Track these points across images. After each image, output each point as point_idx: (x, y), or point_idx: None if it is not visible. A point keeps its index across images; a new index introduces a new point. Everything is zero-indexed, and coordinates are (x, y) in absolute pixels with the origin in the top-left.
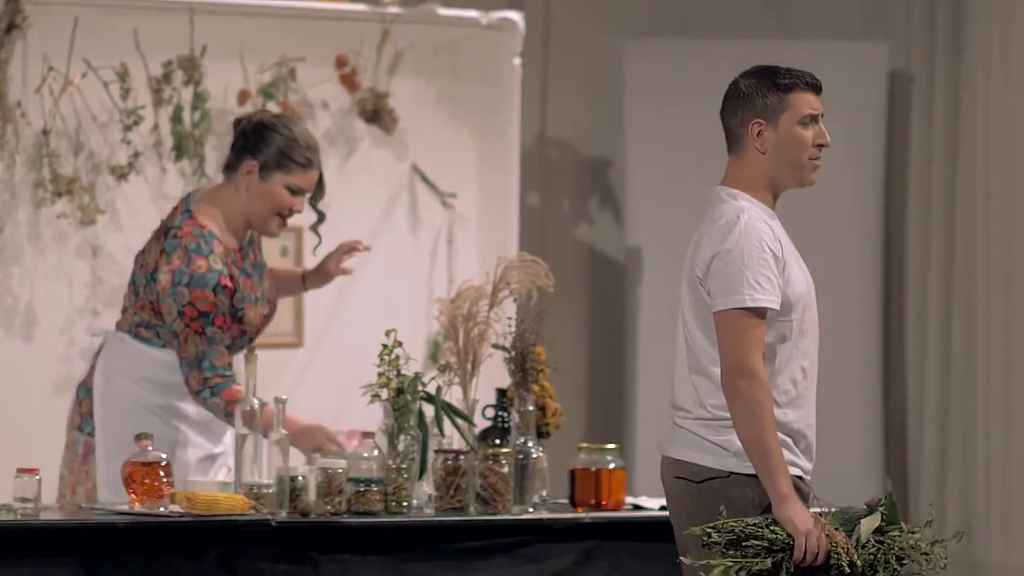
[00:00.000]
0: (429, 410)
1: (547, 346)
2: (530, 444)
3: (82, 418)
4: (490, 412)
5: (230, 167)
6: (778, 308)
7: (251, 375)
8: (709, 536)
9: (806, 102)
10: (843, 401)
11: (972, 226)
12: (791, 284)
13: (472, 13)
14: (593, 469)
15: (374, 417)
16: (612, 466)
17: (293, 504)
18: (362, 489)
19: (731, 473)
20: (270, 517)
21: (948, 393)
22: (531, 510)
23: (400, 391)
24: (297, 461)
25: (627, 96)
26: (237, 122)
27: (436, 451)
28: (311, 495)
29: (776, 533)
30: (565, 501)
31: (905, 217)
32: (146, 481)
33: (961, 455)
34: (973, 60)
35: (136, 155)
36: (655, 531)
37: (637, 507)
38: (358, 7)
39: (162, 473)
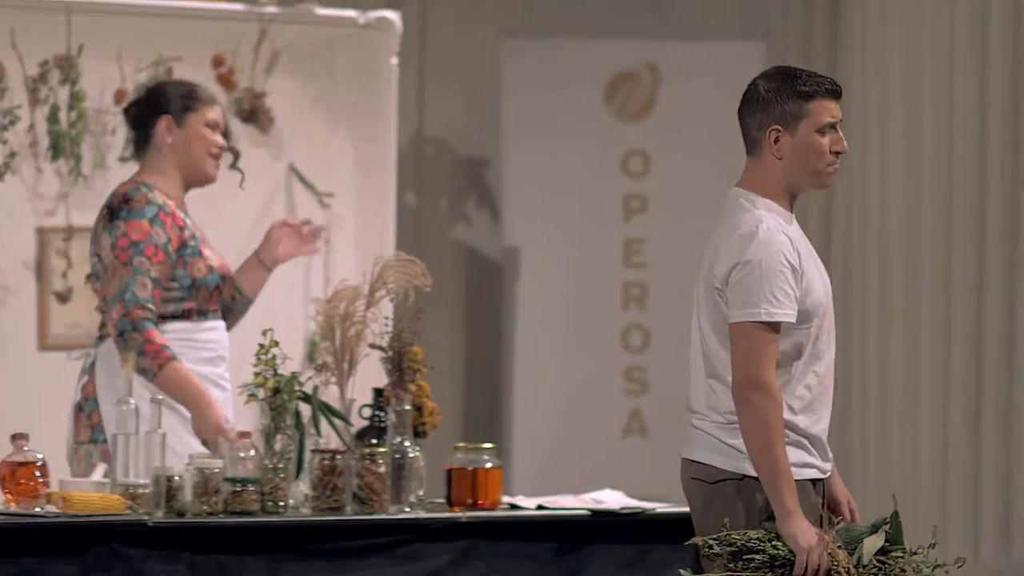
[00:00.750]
0: (306, 410)
1: (424, 346)
2: (407, 444)
3: (93, 429)
4: (367, 412)
5: (141, 141)
6: (795, 321)
7: (127, 375)
8: (710, 548)
9: (826, 110)
10: None
11: (848, 226)
12: (810, 293)
13: (349, 13)
14: (470, 469)
15: (251, 417)
16: (489, 466)
17: (169, 504)
18: (238, 489)
19: (744, 476)
20: (146, 517)
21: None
22: (408, 510)
23: (277, 391)
24: (173, 461)
25: (504, 96)
26: (127, 108)
27: (313, 451)
28: (187, 495)
29: (778, 548)
30: (442, 501)
31: None
32: (21, 481)
33: (837, 462)
34: (849, 59)
35: (12, 155)
36: (532, 530)
37: (514, 506)
38: (235, 7)
39: (38, 473)
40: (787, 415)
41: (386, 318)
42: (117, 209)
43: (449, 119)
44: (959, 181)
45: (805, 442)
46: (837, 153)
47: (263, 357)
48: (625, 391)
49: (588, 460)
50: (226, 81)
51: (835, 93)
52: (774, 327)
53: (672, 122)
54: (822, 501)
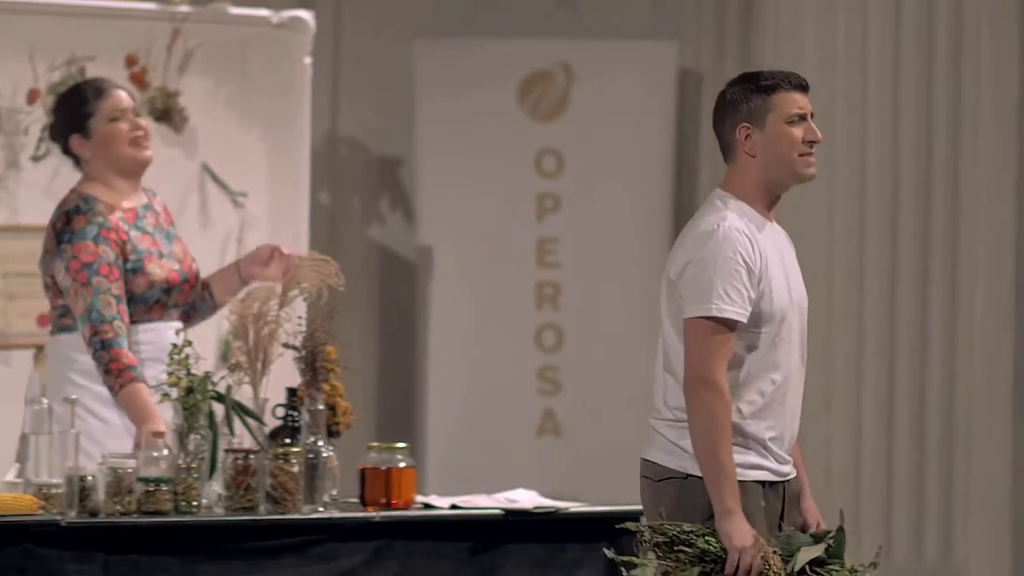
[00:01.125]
0: (219, 409)
1: (337, 345)
2: (320, 443)
3: None
4: (280, 411)
5: (73, 160)
6: (746, 321)
7: (41, 373)
8: (642, 534)
9: (792, 101)
10: (629, 399)
11: None
12: (767, 297)
13: (262, 12)
14: (383, 468)
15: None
16: (402, 465)
17: (82, 504)
18: (152, 489)
19: (688, 475)
20: (59, 517)
21: None
22: (321, 509)
23: (190, 390)
24: (86, 461)
25: (418, 95)
26: (49, 127)
27: (226, 450)
28: (100, 495)
29: (710, 544)
30: (355, 500)
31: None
32: None
33: None
34: (762, 58)
35: None
36: (445, 530)
37: (427, 506)
38: (148, 6)
39: None
40: (735, 418)
41: (300, 317)
42: (61, 232)
43: (363, 119)
44: (872, 181)
45: (756, 445)
46: (811, 143)
47: (176, 357)
48: (538, 391)
49: (502, 460)
50: (139, 80)
51: (800, 86)
52: (727, 325)
53: (585, 121)
54: (781, 506)
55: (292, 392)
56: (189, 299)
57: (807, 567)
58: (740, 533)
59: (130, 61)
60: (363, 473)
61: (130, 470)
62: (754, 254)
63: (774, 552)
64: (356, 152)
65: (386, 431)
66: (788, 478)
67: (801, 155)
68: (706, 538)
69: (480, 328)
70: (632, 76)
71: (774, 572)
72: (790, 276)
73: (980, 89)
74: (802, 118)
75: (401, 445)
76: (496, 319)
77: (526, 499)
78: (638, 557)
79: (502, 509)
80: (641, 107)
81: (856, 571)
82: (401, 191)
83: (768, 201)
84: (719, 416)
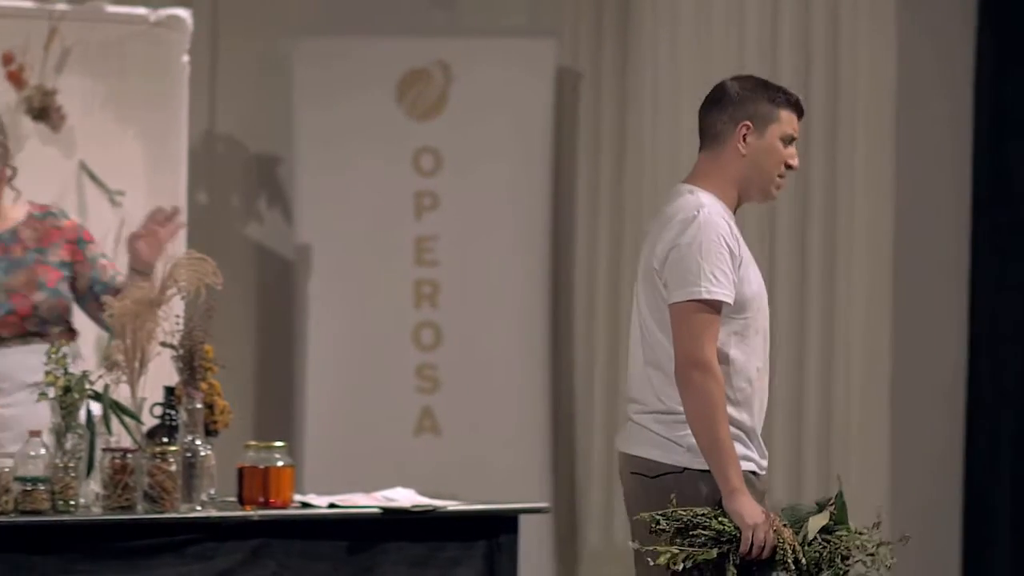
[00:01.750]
0: (97, 408)
1: (215, 344)
2: (198, 442)
3: None
4: (158, 410)
5: None
6: (732, 303)
7: None
8: (657, 523)
9: (792, 122)
10: (509, 397)
11: (639, 223)
12: (746, 283)
13: (140, 10)
14: (261, 467)
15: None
16: (280, 464)
17: None
18: (29, 488)
19: (685, 469)
20: None
21: (616, 389)
22: (199, 508)
23: (67, 389)
24: None
25: (296, 93)
26: None
27: (104, 449)
28: None
29: (724, 524)
30: (233, 499)
31: (573, 215)
32: None
33: None
34: (640, 56)
35: None
36: (323, 529)
37: (305, 505)
38: (25, 4)
39: None
40: (728, 407)
41: (177, 316)
42: None
43: (241, 117)
44: None
45: (743, 435)
46: (789, 167)
47: (53, 355)
48: (417, 389)
49: (380, 458)
50: (16, 79)
51: (801, 110)
52: (714, 307)
53: (464, 119)
54: (761, 497)
55: (170, 391)
56: (27, 329)
57: (817, 535)
58: (750, 510)
59: (6, 59)
60: (241, 472)
61: (7, 469)
62: (733, 238)
63: (784, 524)
64: (234, 151)
65: (264, 430)
66: (764, 471)
67: (780, 176)
68: (719, 519)
69: (358, 326)
70: (510, 74)
71: (788, 544)
72: (755, 266)
73: (857, 90)
74: (792, 140)
75: (279, 444)
76: (374, 317)
77: (404, 498)
78: (639, 547)
79: (380, 508)
80: (519, 105)
81: (862, 534)
82: (279, 190)
83: (735, 200)
84: (714, 396)
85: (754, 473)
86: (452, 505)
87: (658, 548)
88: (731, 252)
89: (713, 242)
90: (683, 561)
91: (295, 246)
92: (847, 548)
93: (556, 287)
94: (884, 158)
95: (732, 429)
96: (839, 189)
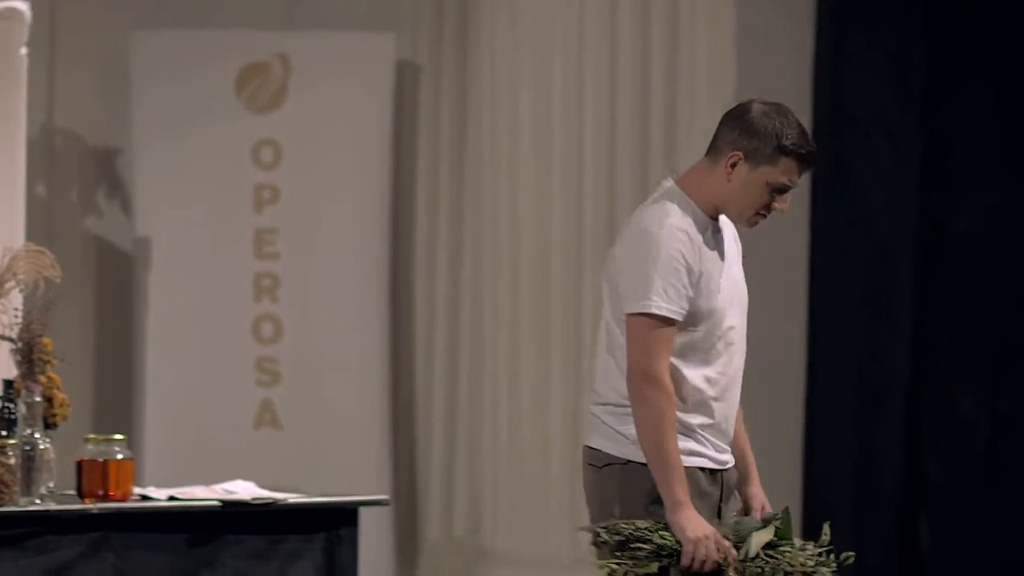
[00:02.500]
0: None
1: (54, 337)
2: (37, 435)
3: None
4: None
5: None
6: (682, 320)
7: None
8: (598, 536)
9: (791, 171)
10: (349, 391)
11: (479, 217)
12: (705, 296)
13: None
14: (100, 460)
15: None
16: (120, 457)
17: None
18: None
19: (628, 461)
20: None
21: (456, 383)
22: (38, 501)
23: None
24: None
25: (135, 86)
26: None
27: None
28: None
29: (665, 539)
30: (73, 492)
31: (413, 208)
32: None
33: (468, 446)
34: (480, 50)
35: None
36: (163, 522)
37: (145, 498)
38: None
39: None
40: (678, 408)
41: (16, 309)
42: None
43: (80, 109)
44: (589, 175)
45: (695, 433)
46: (773, 210)
47: None
48: (257, 382)
49: (220, 451)
50: None
51: (809, 163)
52: (667, 321)
53: (304, 112)
54: (720, 493)
55: (8, 384)
56: None
57: (760, 552)
58: (692, 524)
59: None
60: (80, 465)
61: None
62: (693, 253)
63: (727, 539)
64: (73, 143)
65: (103, 423)
66: (726, 467)
67: (755, 215)
68: (660, 533)
69: (198, 319)
70: (350, 68)
71: (731, 559)
72: (732, 274)
73: (695, 85)
74: (784, 190)
75: (118, 437)
76: (214, 310)
77: (244, 491)
78: (598, 558)
79: (220, 500)
80: (359, 98)
81: (805, 549)
82: (119, 182)
83: (714, 211)
84: (663, 411)
85: (711, 471)
86: (292, 498)
87: (598, 562)
88: (688, 267)
89: (671, 258)
90: (624, 574)
91: (134, 239)
92: (790, 564)
93: (396, 280)
94: None
95: (680, 428)
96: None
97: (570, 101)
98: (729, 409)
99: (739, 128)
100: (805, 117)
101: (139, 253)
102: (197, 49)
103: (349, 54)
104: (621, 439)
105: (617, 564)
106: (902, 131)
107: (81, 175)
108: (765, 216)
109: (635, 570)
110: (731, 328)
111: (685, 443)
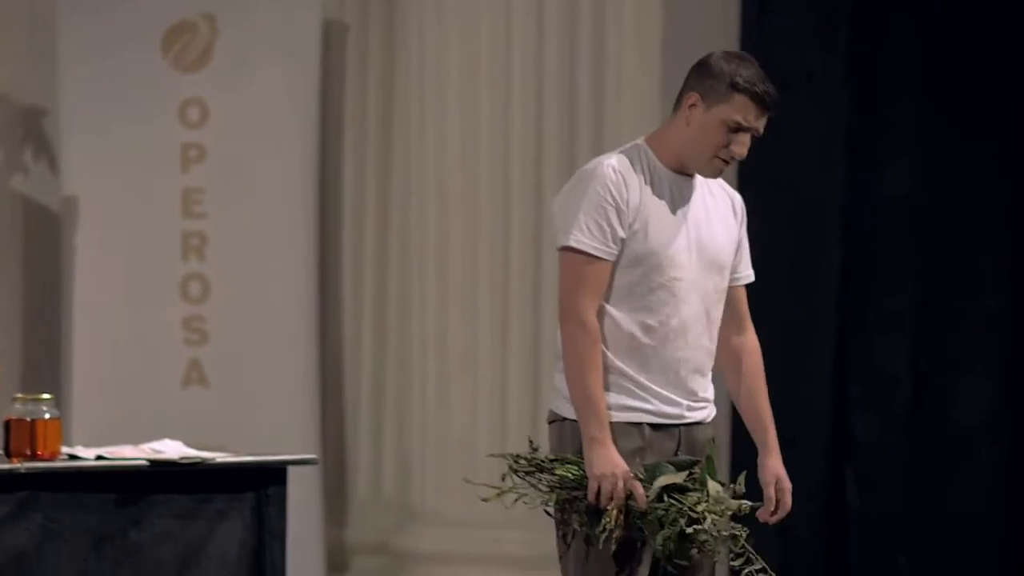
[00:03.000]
0: None
1: None
2: None
3: None
4: None
5: None
6: (606, 257)
7: None
8: (514, 462)
9: (745, 110)
10: (277, 350)
11: (407, 174)
12: (639, 239)
13: None
14: (28, 420)
15: None
16: (47, 416)
17: None
18: None
19: (564, 418)
20: None
21: (385, 343)
22: None
23: None
24: None
25: (61, 45)
26: None
27: None
28: None
29: (568, 471)
30: (0, 452)
31: (341, 166)
32: None
33: (396, 405)
34: (407, 7)
35: None
36: (90, 481)
37: (73, 457)
38: None
39: None
40: (611, 354)
41: None
42: None
43: (5, 69)
44: (516, 135)
45: (629, 386)
46: (731, 154)
47: None
48: (185, 341)
49: (148, 410)
50: None
51: (764, 102)
52: (592, 257)
53: (230, 71)
54: (676, 448)
55: None
56: None
57: (666, 495)
58: (601, 460)
59: None
60: (7, 424)
61: None
62: (626, 193)
63: (637, 479)
64: None
65: (31, 382)
66: (682, 421)
67: (714, 159)
68: (566, 465)
69: (126, 279)
70: (276, 26)
71: (637, 498)
72: (701, 228)
73: (623, 48)
74: (741, 130)
75: (46, 396)
76: (142, 270)
77: (172, 450)
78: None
79: (148, 460)
80: (286, 57)
81: (720, 501)
82: (45, 142)
83: (680, 164)
84: (583, 349)
85: (656, 425)
86: (220, 457)
87: (492, 485)
88: (616, 207)
89: (597, 194)
90: (515, 502)
91: (61, 198)
92: (691, 509)
93: (323, 239)
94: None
95: (613, 377)
96: (605, 139)
97: (497, 61)
98: (681, 362)
99: (697, 73)
100: None
101: (66, 212)
102: (123, 8)
103: (276, 12)
104: (560, 397)
105: (508, 489)
106: (829, 87)
107: (7, 134)
108: (726, 162)
109: (527, 498)
110: (677, 279)
111: (617, 397)
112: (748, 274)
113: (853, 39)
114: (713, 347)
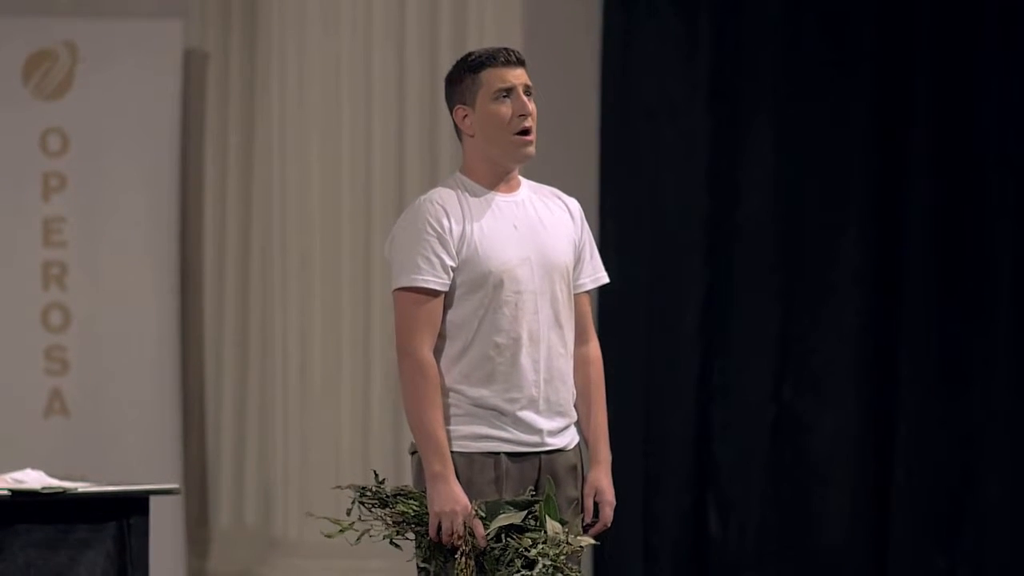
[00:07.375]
0: None
1: None
2: None
3: None
4: None
5: None
6: (438, 288)
7: None
8: (360, 495)
9: (498, 76)
10: (139, 379)
11: (268, 205)
12: (474, 262)
13: None
14: None
15: None
16: None
17: None
18: None
19: (415, 451)
20: None
21: (246, 373)
22: None
23: None
24: None
25: None
26: None
27: None
28: None
29: (409, 508)
30: None
31: (202, 195)
32: None
33: (259, 436)
34: (268, 35)
35: None
36: None
37: None
38: None
39: None
40: (460, 384)
41: None
42: None
43: None
44: (377, 162)
45: (483, 412)
46: (523, 116)
47: None
48: (46, 371)
49: (10, 440)
50: None
51: (508, 61)
52: (422, 293)
53: (91, 100)
54: (537, 477)
55: None
56: None
57: (504, 535)
58: (441, 497)
59: None
60: None
61: None
62: (448, 222)
63: (478, 517)
64: None
65: None
66: (541, 449)
67: (516, 134)
68: (408, 501)
69: None
70: (137, 55)
71: (477, 537)
72: (538, 238)
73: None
74: (509, 92)
75: None
76: (3, 299)
77: (34, 479)
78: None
79: (9, 490)
80: (147, 86)
81: (557, 543)
82: None
83: (497, 176)
84: (419, 386)
85: (515, 454)
86: (82, 487)
87: (332, 519)
88: (439, 237)
89: (419, 230)
90: (359, 539)
91: None
92: (527, 549)
93: (185, 268)
94: None
95: (466, 406)
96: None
97: (358, 87)
98: (539, 371)
99: (447, 95)
100: (594, 102)
101: None
102: None
103: (136, 41)
104: None
105: (348, 525)
106: (692, 115)
107: None
108: (528, 133)
109: (379, 534)
110: (519, 292)
111: (472, 427)
112: (587, 282)
113: (714, 67)
114: (569, 352)
